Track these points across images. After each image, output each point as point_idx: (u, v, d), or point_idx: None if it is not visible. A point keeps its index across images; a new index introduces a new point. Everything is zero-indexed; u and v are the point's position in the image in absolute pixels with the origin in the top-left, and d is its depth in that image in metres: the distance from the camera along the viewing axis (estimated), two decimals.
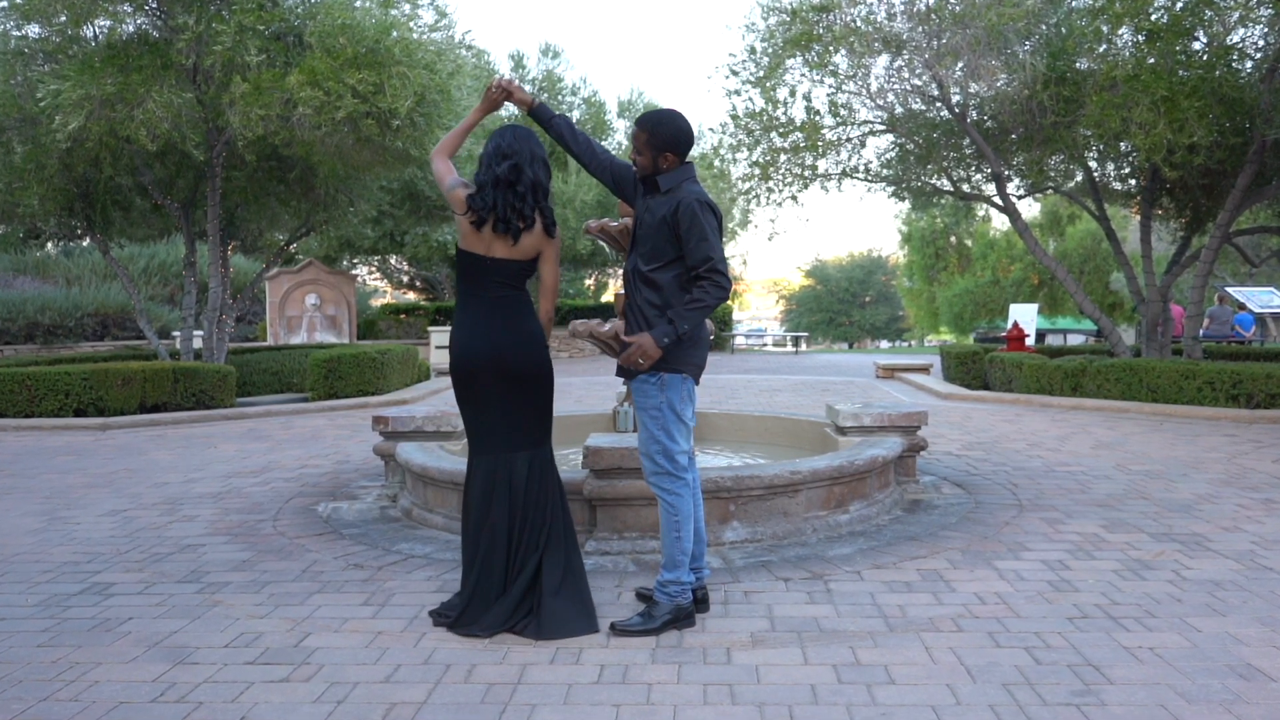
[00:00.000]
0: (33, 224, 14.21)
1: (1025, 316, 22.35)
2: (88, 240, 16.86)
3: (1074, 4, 11.64)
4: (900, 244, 40.64)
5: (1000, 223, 34.87)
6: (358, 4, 11.07)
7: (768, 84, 12.91)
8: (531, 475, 3.77)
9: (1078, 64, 11.25)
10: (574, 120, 3.96)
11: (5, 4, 11.08)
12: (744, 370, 18.76)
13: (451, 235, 23.04)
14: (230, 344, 14.25)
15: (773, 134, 13.26)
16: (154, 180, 12.62)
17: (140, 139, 10.47)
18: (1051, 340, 24.87)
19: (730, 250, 34.20)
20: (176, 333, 17.27)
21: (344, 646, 3.52)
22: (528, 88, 26.45)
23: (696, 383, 3.71)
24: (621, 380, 3.69)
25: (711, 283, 3.48)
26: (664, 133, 3.62)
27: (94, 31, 11.34)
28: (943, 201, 17.49)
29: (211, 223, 12.80)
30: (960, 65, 11.46)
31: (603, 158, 3.91)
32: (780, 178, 13.75)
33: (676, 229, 3.54)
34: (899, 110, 13.16)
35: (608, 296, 34.59)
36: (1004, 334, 18.78)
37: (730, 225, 25.77)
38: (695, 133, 3.68)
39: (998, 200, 13.42)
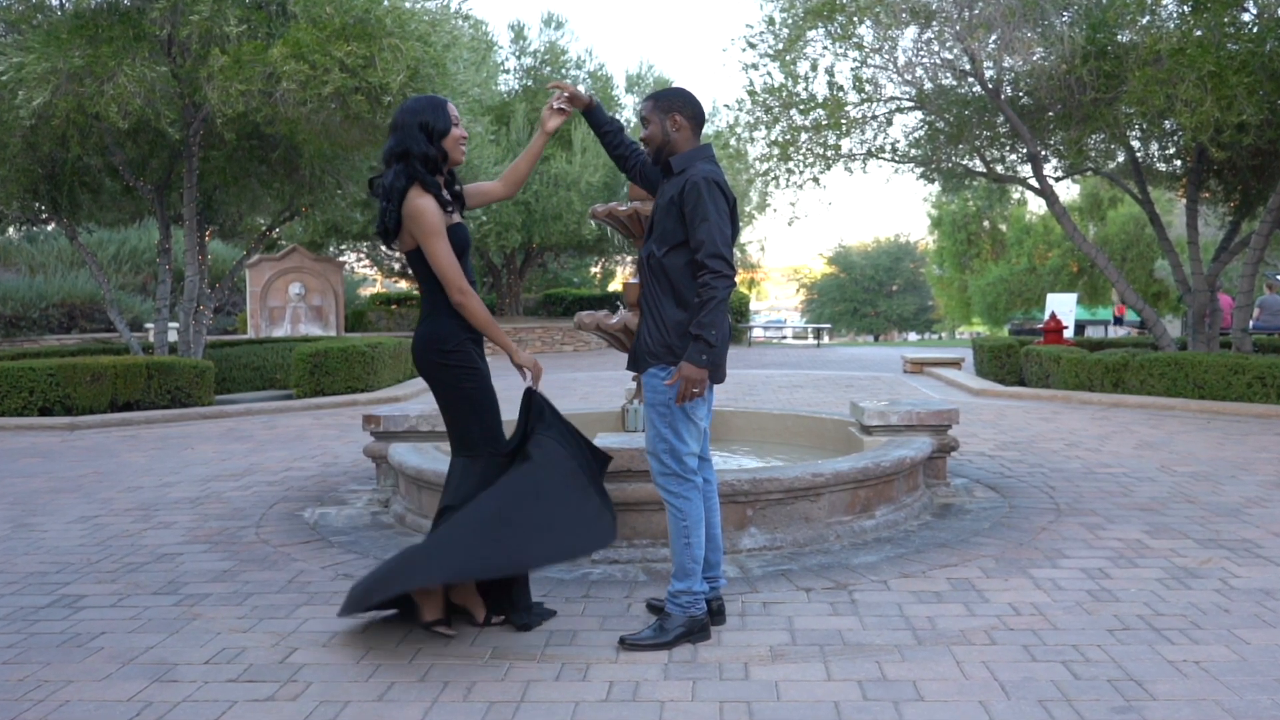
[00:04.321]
0: None
1: (1063, 307, 22.31)
2: (53, 225, 16.89)
3: None
4: (929, 229, 40.62)
5: (1037, 206, 34.83)
6: None
7: (787, 57, 12.90)
8: (449, 478, 3.90)
9: (1119, 37, 11.21)
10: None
11: None
12: (762, 365, 18.77)
13: None
14: (208, 337, 14.28)
15: (793, 111, 13.25)
16: (125, 160, 12.65)
17: (111, 116, 10.48)
18: (1091, 332, 24.82)
19: (748, 235, 34.14)
20: (150, 325, 17.33)
21: (333, 663, 3.54)
22: (528, 60, 26.68)
23: (716, 381, 3.69)
24: (631, 375, 3.70)
25: (712, 273, 3.48)
26: (671, 95, 3.78)
27: (60, 0, 11.37)
28: (975, 183, 17.45)
29: (188, 206, 12.84)
30: (994, 38, 11.43)
31: (638, 158, 4.08)
32: (801, 158, 13.73)
33: (683, 209, 3.57)
34: (928, 86, 13.13)
35: (615, 285, 34.58)
36: (1041, 325, 18.76)
37: (747, 209, 25.73)
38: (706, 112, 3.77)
39: (1034, 182, 13.40)
